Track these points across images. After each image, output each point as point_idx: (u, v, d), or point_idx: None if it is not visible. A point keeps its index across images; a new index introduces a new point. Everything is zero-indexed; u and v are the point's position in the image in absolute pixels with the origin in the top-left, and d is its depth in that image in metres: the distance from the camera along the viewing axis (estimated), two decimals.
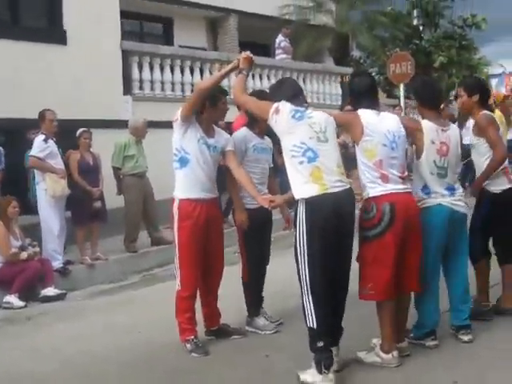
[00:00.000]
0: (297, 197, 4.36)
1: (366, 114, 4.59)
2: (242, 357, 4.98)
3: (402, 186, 4.59)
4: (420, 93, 5.09)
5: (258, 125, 5.32)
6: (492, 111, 5.46)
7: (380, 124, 4.59)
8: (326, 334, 4.32)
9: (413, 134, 4.89)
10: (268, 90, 5.14)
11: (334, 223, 4.28)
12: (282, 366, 4.68)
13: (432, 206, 4.84)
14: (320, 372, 4.27)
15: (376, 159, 4.53)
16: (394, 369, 4.54)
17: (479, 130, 5.35)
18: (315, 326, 4.29)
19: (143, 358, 5.04)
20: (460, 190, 5.01)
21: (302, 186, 4.33)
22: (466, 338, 4.98)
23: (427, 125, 4.86)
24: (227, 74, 5.06)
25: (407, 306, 4.84)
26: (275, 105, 4.46)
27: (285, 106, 4.44)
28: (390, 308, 4.58)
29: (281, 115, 4.41)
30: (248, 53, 4.89)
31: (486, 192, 5.42)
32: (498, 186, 5.38)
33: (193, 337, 5.09)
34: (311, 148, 4.33)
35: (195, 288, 5.13)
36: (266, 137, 5.53)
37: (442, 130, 4.89)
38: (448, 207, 4.85)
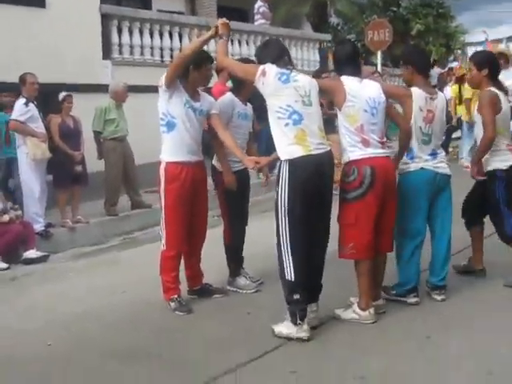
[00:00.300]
0: (281, 157, 4.48)
1: (348, 81, 4.70)
2: (224, 315, 5.11)
3: (381, 151, 4.73)
4: (414, 59, 5.14)
5: (244, 91, 5.40)
6: (501, 88, 5.40)
7: (362, 91, 4.70)
8: (303, 288, 4.46)
9: (402, 100, 5.03)
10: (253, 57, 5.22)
11: (315, 183, 4.43)
12: (263, 323, 4.79)
13: (415, 171, 5.00)
14: (295, 323, 4.42)
15: (358, 124, 4.65)
16: (369, 325, 4.71)
17: (478, 106, 5.40)
18: (293, 279, 4.43)
19: (127, 318, 5.13)
20: (442, 154, 5.17)
21: (287, 147, 4.45)
22: (439, 297, 5.17)
23: (417, 92, 4.98)
24: (206, 42, 5.03)
25: (383, 265, 5.00)
26: (261, 67, 4.52)
27: (271, 69, 4.50)
28: (368, 266, 4.73)
29: (267, 77, 4.47)
30: (224, 19, 4.93)
31: (497, 172, 5.40)
32: (504, 162, 5.40)
33: (177, 295, 5.21)
34: (297, 111, 4.44)
35: (180, 248, 5.23)
36: (248, 104, 5.62)
37: (431, 98, 5.02)
38: (430, 170, 5.01)
